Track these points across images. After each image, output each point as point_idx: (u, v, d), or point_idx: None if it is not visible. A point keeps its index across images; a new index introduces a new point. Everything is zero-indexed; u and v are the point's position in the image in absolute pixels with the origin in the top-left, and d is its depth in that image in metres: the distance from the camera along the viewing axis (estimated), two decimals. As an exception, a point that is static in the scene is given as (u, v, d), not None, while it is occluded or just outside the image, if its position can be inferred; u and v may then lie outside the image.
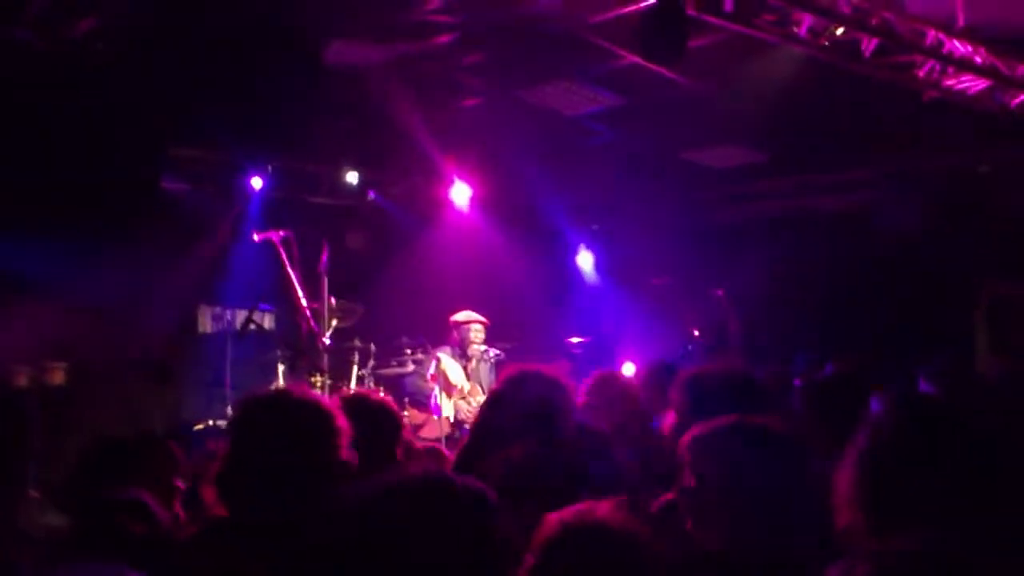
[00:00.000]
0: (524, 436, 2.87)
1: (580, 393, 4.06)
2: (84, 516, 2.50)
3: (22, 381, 7.39)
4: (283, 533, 2.24)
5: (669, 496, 2.69)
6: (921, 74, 6.58)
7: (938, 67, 6.56)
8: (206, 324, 8.77)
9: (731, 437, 2.43)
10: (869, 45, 6.22)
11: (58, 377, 7.59)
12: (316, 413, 2.56)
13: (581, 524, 1.91)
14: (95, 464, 3.16)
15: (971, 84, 6.76)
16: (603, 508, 1.95)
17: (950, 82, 6.70)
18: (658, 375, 4.89)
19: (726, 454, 2.38)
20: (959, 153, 8.78)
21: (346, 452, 2.57)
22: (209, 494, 2.61)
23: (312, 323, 7.02)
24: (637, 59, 6.77)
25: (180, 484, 3.09)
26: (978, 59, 6.59)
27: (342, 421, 2.59)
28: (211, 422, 8.10)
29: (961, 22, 6.35)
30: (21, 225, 7.37)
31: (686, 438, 2.50)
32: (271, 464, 2.47)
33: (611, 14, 6.37)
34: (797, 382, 4.22)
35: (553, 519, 1.93)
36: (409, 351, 8.67)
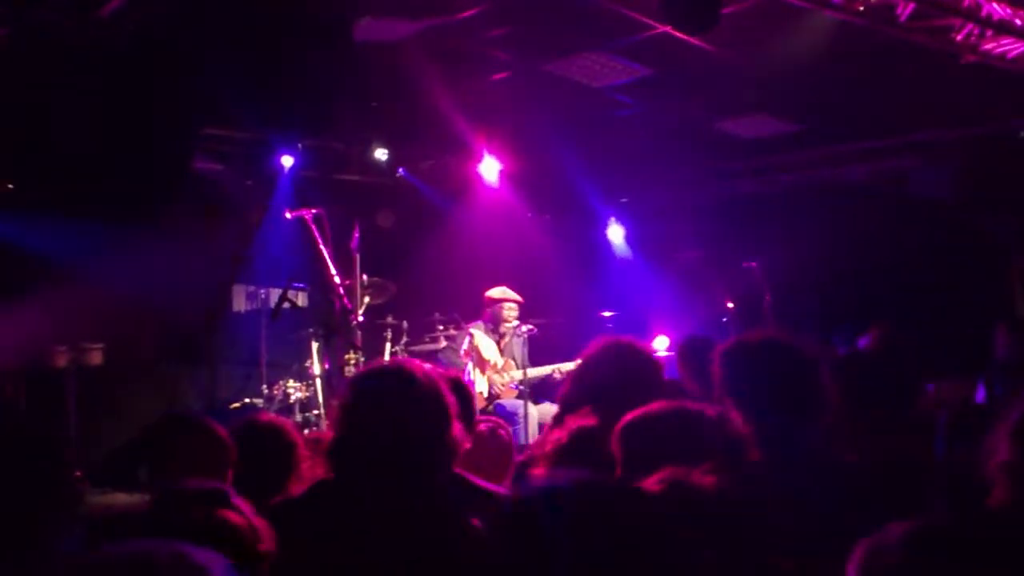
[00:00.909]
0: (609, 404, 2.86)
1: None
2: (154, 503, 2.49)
3: (61, 362, 7.49)
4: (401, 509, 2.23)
5: None
6: (959, 37, 6.45)
7: (976, 30, 6.43)
8: (240, 303, 8.82)
9: (658, 424, 2.46)
10: (905, 9, 6.11)
11: (96, 358, 7.67)
12: (432, 389, 2.49)
13: (682, 487, 1.92)
14: (146, 445, 3.12)
15: (1011, 47, 6.63)
16: (697, 474, 1.97)
17: (989, 45, 6.57)
18: (691, 349, 4.82)
19: (652, 442, 2.42)
20: (997, 119, 8.62)
21: (457, 429, 2.52)
22: (319, 469, 2.57)
23: (345, 300, 7.03)
24: (666, 28, 6.69)
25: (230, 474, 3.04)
26: (1018, 21, 6.45)
27: (452, 397, 2.54)
28: (247, 400, 8.18)
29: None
30: (55, 209, 7.44)
31: (620, 424, 2.52)
32: (389, 442, 2.42)
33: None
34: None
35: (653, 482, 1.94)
36: (441, 327, 8.70)
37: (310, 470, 3.04)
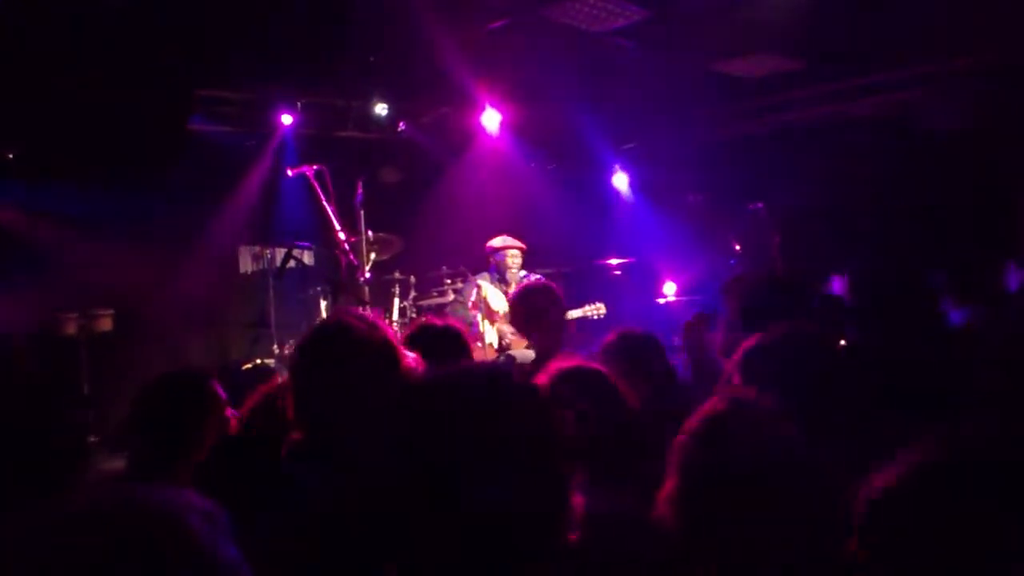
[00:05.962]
0: None
1: None
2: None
3: (72, 330, 7.51)
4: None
5: None
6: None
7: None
8: (247, 265, 8.82)
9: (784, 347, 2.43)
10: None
11: (106, 324, 7.69)
12: (370, 333, 2.53)
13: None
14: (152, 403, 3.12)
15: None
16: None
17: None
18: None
19: (780, 363, 2.39)
20: (1006, 48, 8.47)
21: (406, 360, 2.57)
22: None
23: (351, 257, 7.02)
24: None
25: (231, 413, 3.07)
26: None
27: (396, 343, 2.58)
28: (258, 361, 8.21)
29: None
30: (60, 174, 7.43)
31: (739, 351, 2.49)
32: (339, 396, 2.44)
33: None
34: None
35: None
36: (449, 280, 8.69)
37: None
